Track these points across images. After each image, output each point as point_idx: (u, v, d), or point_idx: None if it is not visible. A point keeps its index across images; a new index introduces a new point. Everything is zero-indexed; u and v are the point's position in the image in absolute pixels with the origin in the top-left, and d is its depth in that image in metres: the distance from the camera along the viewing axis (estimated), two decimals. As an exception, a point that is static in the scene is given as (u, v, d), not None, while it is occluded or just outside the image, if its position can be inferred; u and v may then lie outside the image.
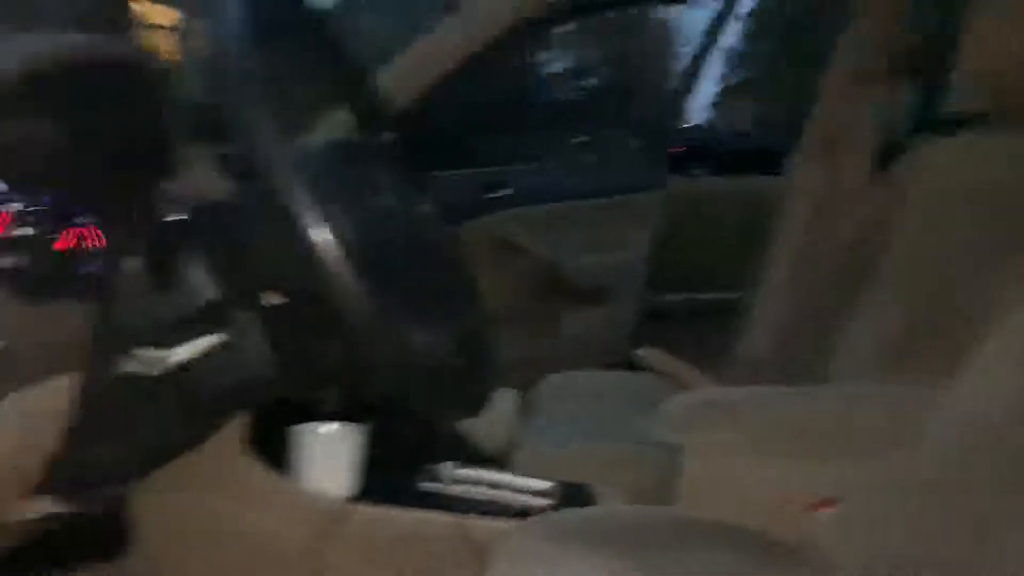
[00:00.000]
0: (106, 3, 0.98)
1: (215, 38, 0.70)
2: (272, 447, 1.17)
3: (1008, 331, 0.82)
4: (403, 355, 0.67)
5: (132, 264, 0.77)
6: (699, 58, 2.69)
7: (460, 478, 1.22)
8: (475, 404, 0.83)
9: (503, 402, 1.55)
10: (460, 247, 1.00)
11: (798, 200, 1.64)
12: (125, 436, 0.81)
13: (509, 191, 2.23)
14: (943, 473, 0.83)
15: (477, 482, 1.22)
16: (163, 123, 0.92)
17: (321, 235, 0.64)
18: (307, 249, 0.64)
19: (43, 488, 0.77)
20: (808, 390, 1.22)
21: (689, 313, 4.31)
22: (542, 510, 1.16)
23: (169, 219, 0.72)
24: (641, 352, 1.44)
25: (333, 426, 1.20)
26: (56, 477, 0.76)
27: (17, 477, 0.72)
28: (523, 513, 1.15)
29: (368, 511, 1.15)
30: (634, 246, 2.49)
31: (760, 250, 1.72)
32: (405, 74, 1.47)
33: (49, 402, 0.70)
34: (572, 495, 1.22)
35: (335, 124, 1.44)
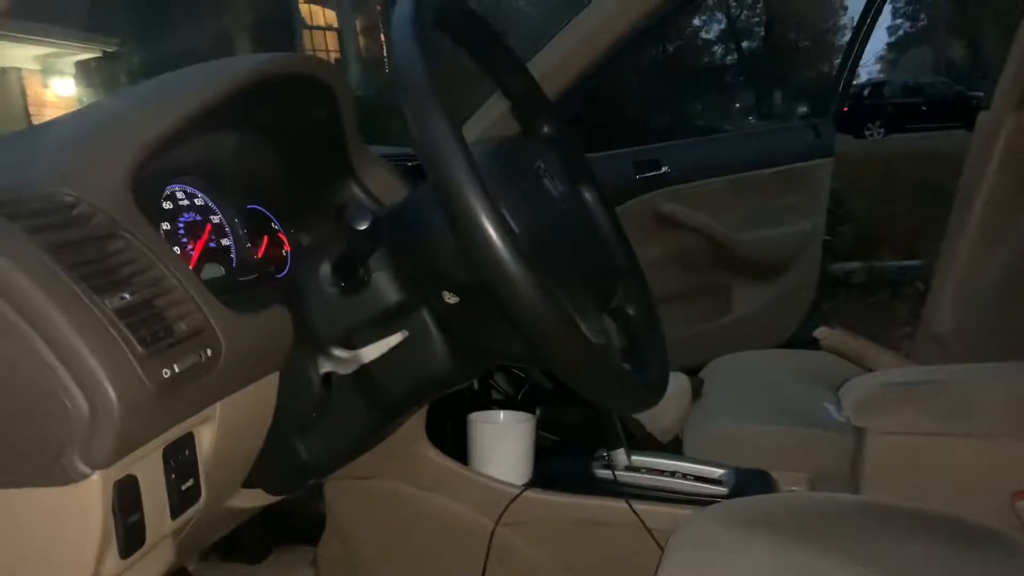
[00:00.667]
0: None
1: (388, 36, 0.72)
2: (451, 435, 1.23)
3: None
4: (578, 345, 0.67)
5: (324, 268, 0.82)
6: (870, 5, 2.49)
7: (634, 464, 1.22)
8: (651, 394, 0.83)
9: (675, 385, 1.53)
10: (624, 232, 0.99)
11: (986, 159, 1.51)
12: (324, 432, 0.87)
13: (665, 169, 2.17)
14: None
15: (651, 469, 1.22)
16: (345, 128, 0.97)
17: (493, 230, 0.64)
18: (479, 245, 0.64)
19: (252, 481, 0.84)
20: (1004, 366, 1.12)
21: (869, 282, 4.09)
22: (718, 497, 1.15)
23: (356, 223, 0.76)
24: (820, 332, 1.37)
25: (508, 414, 1.24)
26: (263, 471, 0.83)
27: (230, 473, 0.79)
28: (698, 500, 1.14)
29: (544, 497, 1.17)
30: (806, 216, 2.37)
31: (942, 213, 1.60)
32: (555, 65, 1.46)
33: (257, 403, 0.77)
34: (749, 482, 1.19)
35: (497, 118, 1.47)
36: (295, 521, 1.27)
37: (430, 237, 0.78)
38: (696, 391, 1.56)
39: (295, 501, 1.22)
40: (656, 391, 0.83)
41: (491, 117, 1.49)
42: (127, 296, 0.61)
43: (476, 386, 1.34)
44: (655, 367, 0.86)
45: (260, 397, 0.77)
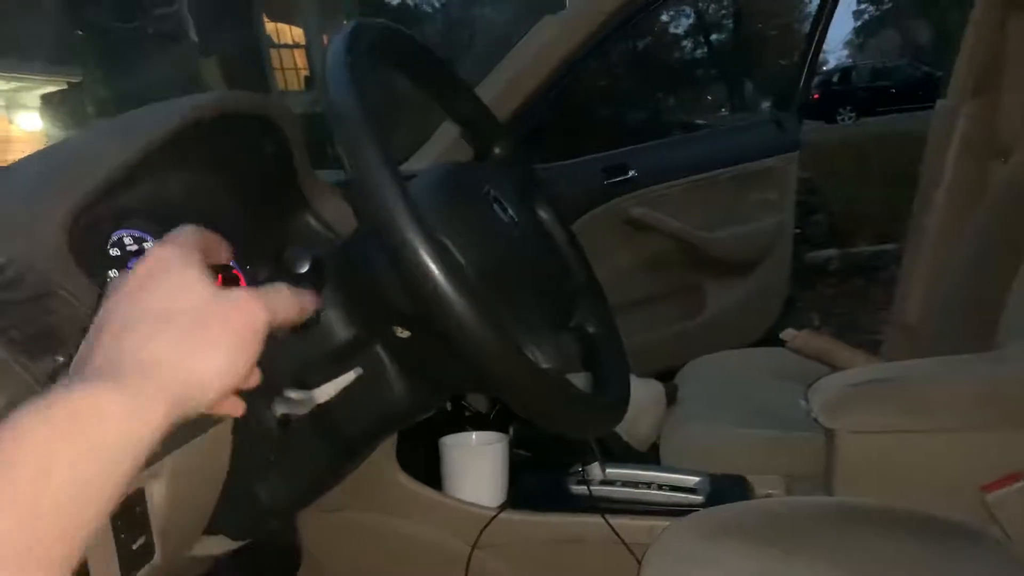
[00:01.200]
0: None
1: (322, 63, 0.71)
2: (424, 459, 1.22)
3: None
4: (527, 375, 0.66)
5: None
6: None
7: (610, 478, 1.22)
8: (610, 416, 0.82)
9: (650, 392, 1.53)
10: (581, 250, 0.98)
11: (944, 148, 1.51)
12: (285, 473, 0.86)
13: (633, 174, 2.17)
14: None
15: (626, 481, 1.21)
16: (295, 160, 0.96)
17: (431, 262, 0.63)
18: (417, 279, 0.63)
19: (214, 527, 0.83)
20: (970, 359, 1.12)
21: (844, 269, 4.12)
22: (694, 506, 1.14)
23: (296, 267, 0.74)
24: (786, 333, 1.37)
25: (480, 435, 1.23)
26: (224, 517, 0.82)
27: (187, 524, 0.78)
28: (675, 510, 1.13)
29: (520, 517, 1.17)
30: (775, 210, 2.38)
31: (913, 195, 1.60)
32: (506, 86, 1.45)
33: (210, 452, 0.75)
34: (726, 488, 1.19)
35: (446, 145, 1.46)
36: (271, 557, 1.25)
37: (375, 272, 0.77)
38: (671, 396, 1.56)
39: (271, 537, 1.20)
40: (616, 411, 0.82)
41: (444, 143, 1.48)
42: (60, 358, 0.60)
43: (448, 407, 1.33)
44: (615, 386, 0.85)
45: (213, 445, 0.76)
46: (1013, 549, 0.94)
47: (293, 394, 0.82)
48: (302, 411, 0.82)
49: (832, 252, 4.27)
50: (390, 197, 0.63)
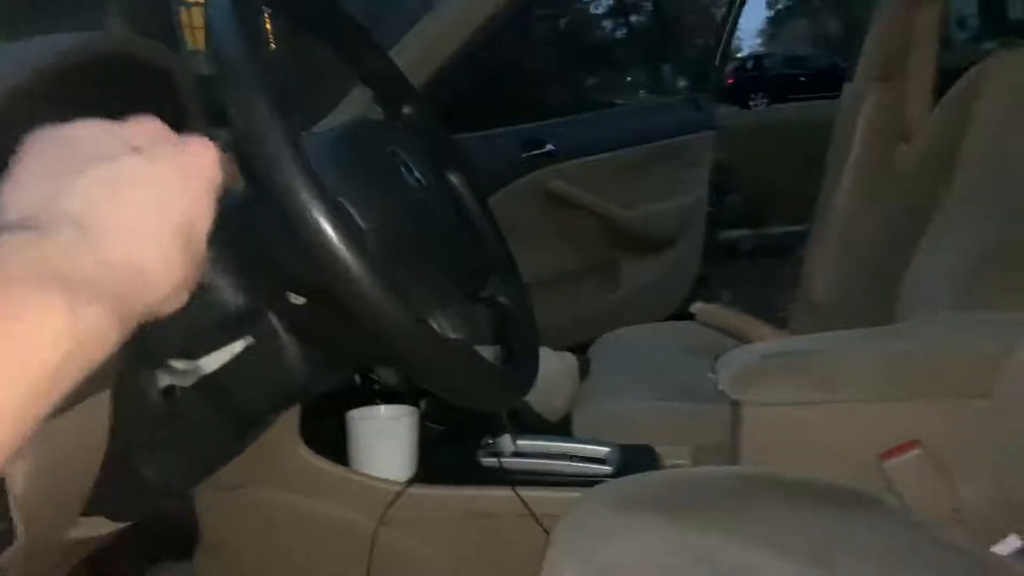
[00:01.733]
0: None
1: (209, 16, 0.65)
2: (329, 436, 1.18)
3: None
4: (429, 346, 0.63)
5: None
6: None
7: (521, 450, 1.20)
8: (517, 388, 0.80)
9: (563, 364, 1.53)
10: (494, 219, 0.95)
11: (851, 130, 1.55)
12: (172, 450, 0.81)
13: (550, 147, 2.16)
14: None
15: (537, 453, 1.20)
16: (187, 112, 0.90)
17: (329, 226, 0.59)
18: (313, 244, 0.59)
19: (93, 508, 0.78)
20: (873, 332, 1.15)
21: (756, 249, 4.22)
22: (603, 477, 1.14)
23: None
24: (696, 307, 1.38)
25: (389, 408, 1.20)
26: (103, 497, 0.77)
27: (59, 506, 0.72)
28: (586, 481, 1.13)
29: (429, 492, 1.14)
30: (690, 189, 2.41)
31: (819, 182, 1.64)
32: (422, 49, 1.41)
33: (84, 429, 0.70)
34: (635, 459, 1.19)
35: (356, 105, 1.41)
36: (164, 538, 1.20)
37: (265, 234, 0.72)
38: (584, 369, 1.56)
39: (167, 516, 1.15)
40: (524, 384, 0.80)
41: (356, 106, 1.43)
42: None
43: (357, 380, 1.29)
44: (524, 359, 0.83)
45: (87, 422, 0.69)
46: (908, 515, 0.97)
47: (177, 364, 0.76)
48: (187, 382, 0.77)
49: (744, 232, 4.37)
50: (280, 153, 0.58)
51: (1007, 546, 0.91)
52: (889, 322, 1.19)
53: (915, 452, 1.02)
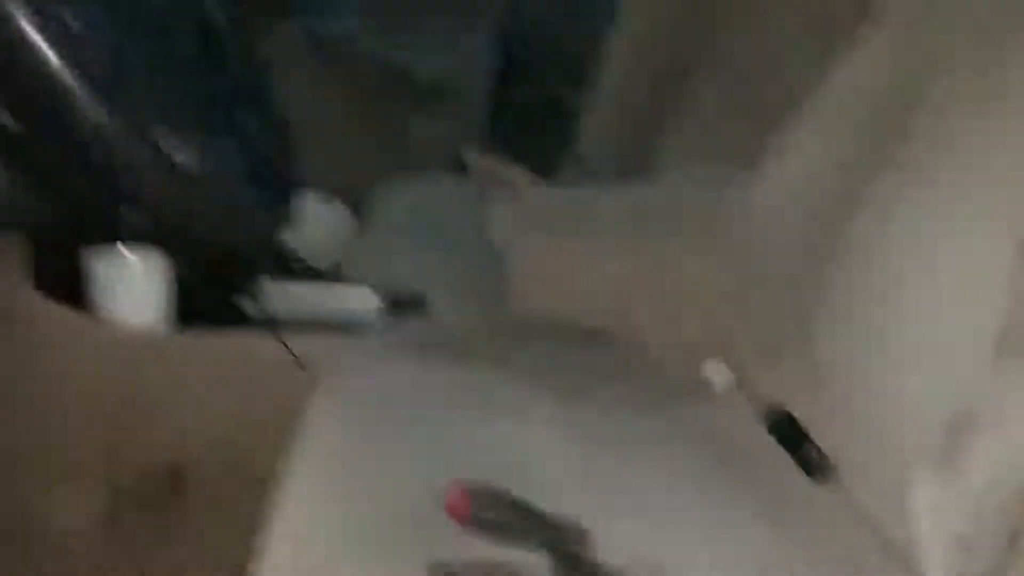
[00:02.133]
0: None
1: None
2: (68, 282, 1.06)
3: (800, 120, 0.82)
4: (152, 166, 0.58)
5: None
6: None
7: (284, 295, 1.16)
8: (266, 220, 0.76)
9: (336, 215, 1.49)
10: (252, 49, 0.87)
11: None
12: None
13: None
14: (745, 264, 0.86)
15: (303, 298, 1.17)
16: None
17: (42, 39, 0.51)
18: (24, 58, 0.51)
19: None
20: (631, 180, 1.22)
21: (540, 108, 4.27)
22: (372, 323, 1.14)
23: None
24: (468, 156, 1.38)
25: (134, 248, 1.08)
26: None
27: None
28: (352, 327, 1.12)
29: (183, 338, 1.08)
30: (477, 40, 2.37)
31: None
32: None
33: None
34: (403, 305, 1.19)
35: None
36: None
37: None
38: (360, 218, 1.53)
39: None
40: (273, 216, 0.76)
41: None
42: None
43: (101, 218, 1.17)
44: (275, 196, 0.79)
45: None
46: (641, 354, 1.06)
47: None
48: None
49: (529, 89, 4.40)
50: None
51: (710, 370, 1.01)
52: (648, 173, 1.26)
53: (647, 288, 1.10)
